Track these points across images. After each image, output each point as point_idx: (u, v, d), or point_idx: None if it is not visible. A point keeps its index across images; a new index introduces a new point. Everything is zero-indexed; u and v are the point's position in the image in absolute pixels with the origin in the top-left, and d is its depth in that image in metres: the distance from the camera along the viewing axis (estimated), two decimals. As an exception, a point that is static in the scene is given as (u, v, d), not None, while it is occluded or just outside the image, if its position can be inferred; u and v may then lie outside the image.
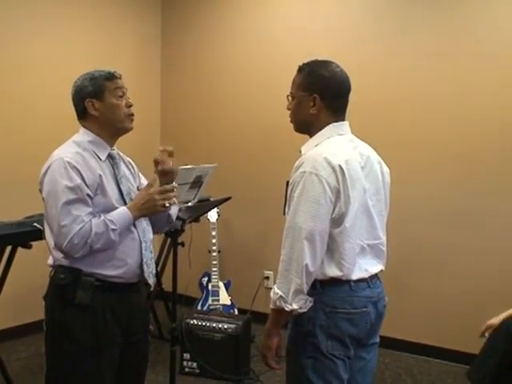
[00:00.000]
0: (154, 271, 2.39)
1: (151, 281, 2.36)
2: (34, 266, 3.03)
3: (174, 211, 2.49)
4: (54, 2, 4.53)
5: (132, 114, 2.31)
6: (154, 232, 2.45)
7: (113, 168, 2.29)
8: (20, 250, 3.43)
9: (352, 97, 2.15)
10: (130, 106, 2.30)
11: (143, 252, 2.28)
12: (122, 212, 2.20)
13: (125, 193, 2.28)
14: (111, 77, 2.28)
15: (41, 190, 2.21)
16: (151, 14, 5.40)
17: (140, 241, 2.28)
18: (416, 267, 4.24)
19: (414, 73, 4.19)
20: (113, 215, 2.18)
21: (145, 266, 2.28)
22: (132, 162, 2.51)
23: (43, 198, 2.19)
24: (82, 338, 2.18)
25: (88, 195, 2.14)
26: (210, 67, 5.20)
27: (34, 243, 3.22)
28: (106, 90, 2.25)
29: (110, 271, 2.20)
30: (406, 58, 4.22)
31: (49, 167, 2.16)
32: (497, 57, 3.90)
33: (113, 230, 2.15)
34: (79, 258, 2.14)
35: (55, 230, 2.13)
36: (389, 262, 2.20)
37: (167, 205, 2.28)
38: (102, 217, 2.16)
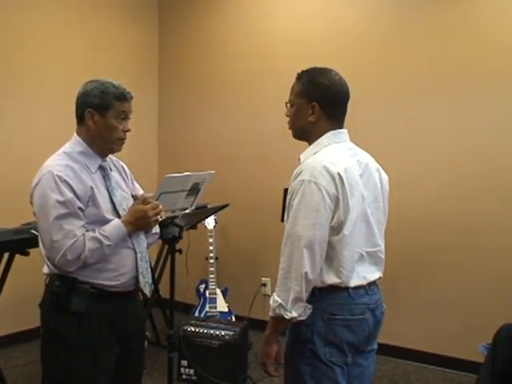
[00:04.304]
0: (150, 281, 2.38)
1: (147, 290, 2.35)
2: (31, 273, 3.03)
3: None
4: (51, 7, 4.53)
5: (124, 139, 2.28)
6: None
7: (104, 179, 2.27)
8: (17, 256, 3.43)
9: (351, 102, 2.16)
10: (127, 131, 2.27)
11: (138, 262, 2.27)
12: (116, 226, 2.19)
13: (117, 204, 2.26)
14: (122, 98, 2.22)
15: (32, 203, 2.20)
16: (148, 19, 5.39)
17: (135, 251, 2.27)
18: (413, 274, 4.24)
19: (413, 76, 4.19)
20: (107, 230, 2.17)
21: (140, 277, 2.28)
22: (125, 166, 2.49)
23: (34, 212, 2.18)
24: (77, 346, 2.18)
25: (80, 208, 2.13)
26: (208, 73, 5.20)
27: (31, 250, 3.23)
28: (112, 109, 2.20)
29: (105, 281, 2.20)
30: (406, 60, 4.22)
31: (39, 181, 2.14)
32: (498, 59, 3.90)
33: (108, 245, 2.15)
34: (72, 271, 2.13)
35: (47, 244, 2.12)
36: (386, 268, 2.21)
37: (159, 219, 2.32)
38: (96, 232, 2.15)
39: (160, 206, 2.32)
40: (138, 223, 2.25)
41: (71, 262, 2.10)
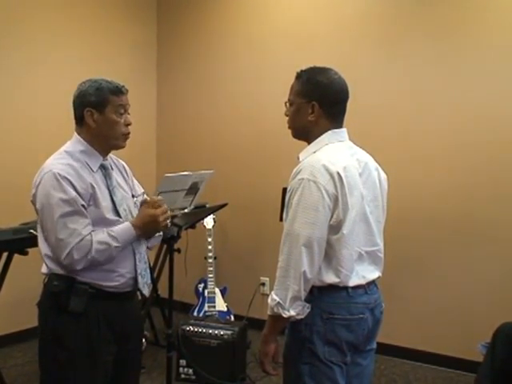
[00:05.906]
0: (149, 281, 2.38)
1: (146, 291, 2.35)
2: (30, 273, 3.03)
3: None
4: (49, 6, 4.53)
5: (128, 133, 2.27)
6: None
7: (105, 178, 2.27)
8: (16, 256, 3.43)
9: (350, 101, 2.16)
10: (129, 124, 2.27)
11: (137, 263, 2.27)
12: (126, 229, 2.19)
13: (117, 203, 2.25)
14: (118, 92, 2.22)
15: (33, 203, 2.19)
16: (147, 19, 5.39)
17: (134, 252, 2.26)
18: (412, 273, 4.24)
19: (413, 76, 4.19)
20: (117, 232, 2.16)
21: (139, 278, 2.28)
22: (125, 166, 2.49)
23: (37, 212, 2.18)
24: (75, 346, 2.17)
25: (83, 206, 2.12)
26: (206, 72, 5.19)
27: (30, 250, 3.23)
28: (109, 104, 2.20)
29: (104, 281, 2.20)
30: (405, 58, 4.22)
31: (41, 180, 2.13)
32: (497, 56, 3.89)
33: (116, 247, 2.14)
34: (79, 270, 2.12)
35: (52, 243, 2.12)
36: (384, 268, 2.20)
37: (169, 225, 2.31)
38: (105, 232, 2.14)
39: (169, 212, 2.30)
40: (146, 228, 2.24)
41: (78, 261, 2.09)
